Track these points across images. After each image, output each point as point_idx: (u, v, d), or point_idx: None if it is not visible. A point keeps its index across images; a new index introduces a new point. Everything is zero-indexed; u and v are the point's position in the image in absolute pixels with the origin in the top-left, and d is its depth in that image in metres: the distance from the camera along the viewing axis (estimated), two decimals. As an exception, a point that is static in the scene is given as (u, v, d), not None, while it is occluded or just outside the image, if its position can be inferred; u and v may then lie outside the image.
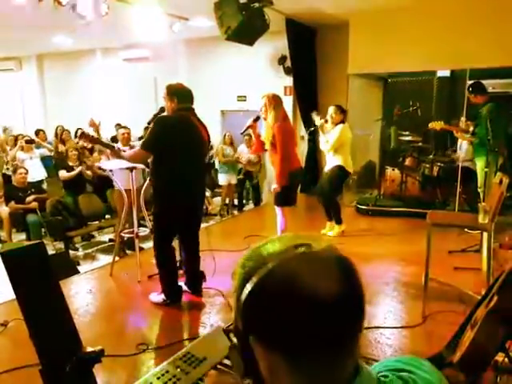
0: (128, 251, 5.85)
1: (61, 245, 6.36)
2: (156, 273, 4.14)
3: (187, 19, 6.83)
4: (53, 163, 8.29)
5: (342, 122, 5.23)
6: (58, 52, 10.76)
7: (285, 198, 4.32)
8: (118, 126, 7.41)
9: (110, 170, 4.72)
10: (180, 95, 3.29)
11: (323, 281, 0.62)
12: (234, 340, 0.72)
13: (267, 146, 4.24)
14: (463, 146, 6.22)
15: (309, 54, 7.83)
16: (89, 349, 1.40)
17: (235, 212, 8.33)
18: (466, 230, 4.65)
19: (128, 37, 8.52)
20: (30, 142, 7.67)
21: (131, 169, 3.95)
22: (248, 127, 4.32)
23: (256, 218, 7.22)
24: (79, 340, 1.41)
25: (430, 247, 3.10)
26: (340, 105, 5.39)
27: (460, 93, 6.23)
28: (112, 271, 4.31)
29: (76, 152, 7.14)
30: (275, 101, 4.16)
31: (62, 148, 8.32)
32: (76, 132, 9.65)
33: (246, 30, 5.00)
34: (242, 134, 4.32)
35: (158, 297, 3.59)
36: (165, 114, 3.40)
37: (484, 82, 6.08)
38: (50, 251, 6.17)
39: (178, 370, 1.43)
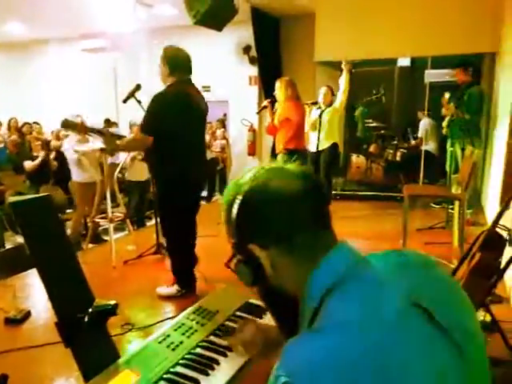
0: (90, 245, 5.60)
1: (21, 239, 6.08)
2: (132, 258, 4.07)
3: (151, 6, 6.71)
4: (7, 156, 7.84)
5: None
6: (10, 42, 10.24)
7: None
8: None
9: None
10: (180, 67, 3.01)
11: (290, 181, 0.81)
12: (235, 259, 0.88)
13: (276, 122, 4.57)
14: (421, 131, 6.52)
15: (273, 43, 7.88)
16: (102, 302, 1.37)
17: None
18: (431, 204, 5.28)
19: (87, 26, 8.25)
20: None
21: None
22: (263, 107, 4.89)
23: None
24: (91, 293, 1.37)
25: (406, 220, 3.21)
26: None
27: (420, 82, 6.46)
28: (83, 258, 4.16)
29: (39, 142, 6.87)
30: (288, 83, 4.62)
31: (18, 140, 7.93)
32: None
33: (215, 15, 4.99)
34: (257, 113, 5.20)
35: (169, 289, 3.21)
36: (161, 90, 3.04)
37: (443, 71, 6.34)
38: (10, 245, 5.89)
39: (194, 322, 1.42)
